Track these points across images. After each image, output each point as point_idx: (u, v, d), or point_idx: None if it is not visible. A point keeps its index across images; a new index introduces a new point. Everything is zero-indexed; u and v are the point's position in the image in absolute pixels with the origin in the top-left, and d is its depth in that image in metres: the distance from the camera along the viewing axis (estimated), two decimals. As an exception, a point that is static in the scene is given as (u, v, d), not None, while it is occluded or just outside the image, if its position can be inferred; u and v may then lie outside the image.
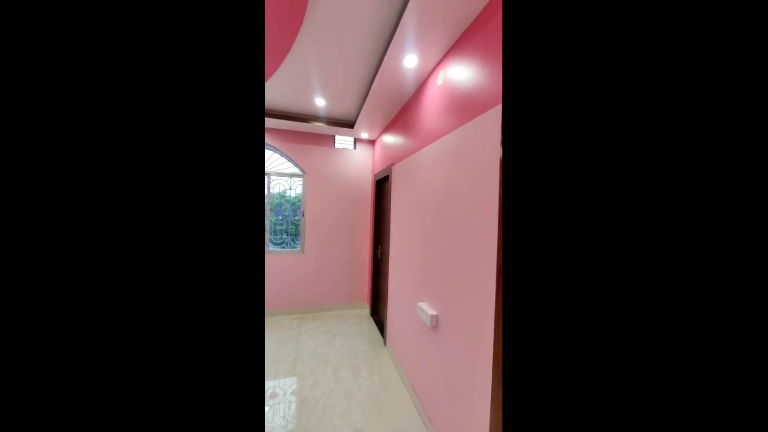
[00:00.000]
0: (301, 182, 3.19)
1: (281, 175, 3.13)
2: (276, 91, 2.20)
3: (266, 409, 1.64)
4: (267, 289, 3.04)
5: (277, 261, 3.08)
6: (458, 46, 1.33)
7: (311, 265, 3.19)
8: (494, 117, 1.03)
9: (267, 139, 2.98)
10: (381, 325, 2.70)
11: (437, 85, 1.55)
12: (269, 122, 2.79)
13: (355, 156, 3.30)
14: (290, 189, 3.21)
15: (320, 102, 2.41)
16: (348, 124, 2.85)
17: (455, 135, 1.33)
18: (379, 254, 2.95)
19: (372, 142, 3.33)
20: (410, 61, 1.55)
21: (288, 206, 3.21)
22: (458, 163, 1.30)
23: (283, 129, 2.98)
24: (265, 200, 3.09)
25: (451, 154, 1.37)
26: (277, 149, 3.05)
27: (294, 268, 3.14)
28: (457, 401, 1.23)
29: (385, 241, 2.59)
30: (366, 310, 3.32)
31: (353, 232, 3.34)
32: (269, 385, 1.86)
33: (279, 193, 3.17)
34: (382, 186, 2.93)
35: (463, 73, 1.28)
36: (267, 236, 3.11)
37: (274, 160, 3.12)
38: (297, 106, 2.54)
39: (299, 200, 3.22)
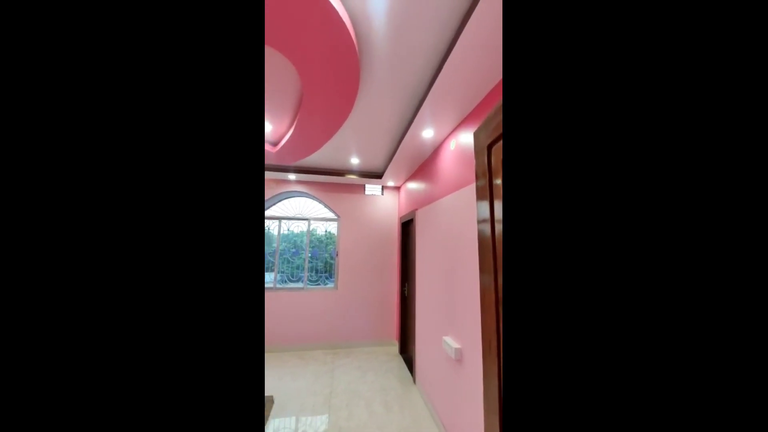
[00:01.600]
0: (336, 225, 3.63)
1: (319, 219, 3.60)
2: (320, 156, 2.74)
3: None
4: (304, 324, 3.31)
5: (313, 297, 3.38)
6: (467, 121, 1.71)
7: (344, 302, 3.44)
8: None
9: (309, 191, 3.53)
10: (410, 363, 2.77)
11: (450, 150, 1.92)
12: (312, 178, 3.35)
13: (383, 201, 3.71)
14: (325, 231, 3.64)
15: (355, 160, 2.91)
16: (377, 175, 3.31)
17: (467, 190, 1.64)
18: (406, 292, 3.13)
19: (397, 188, 3.74)
20: (428, 133, 1.97)
21: (317, 243, 3.61)
22: (470, 213, 1.58)
23: (323, 182, 3.52)
24: (305, 241, 3.53)
25: (464, 205, 1.66)
26: (316, 198, 3.57)
27: (328, 303, 3.40)
28: None
29: (412, 279, 2.80)
30: (395, 347, 3.39)
31: (382, 270, 3.60)
32: (305, 421, 2.00)
33: (310, 231, 3.61)
34: (407, 227, 3.23)
35: (471, 142, 1.63)
36: (306, 274, 3.48)
37: (313, 207, 3.63)
38: (335, 165, 3.07)
39: (327, 237, 3.62)
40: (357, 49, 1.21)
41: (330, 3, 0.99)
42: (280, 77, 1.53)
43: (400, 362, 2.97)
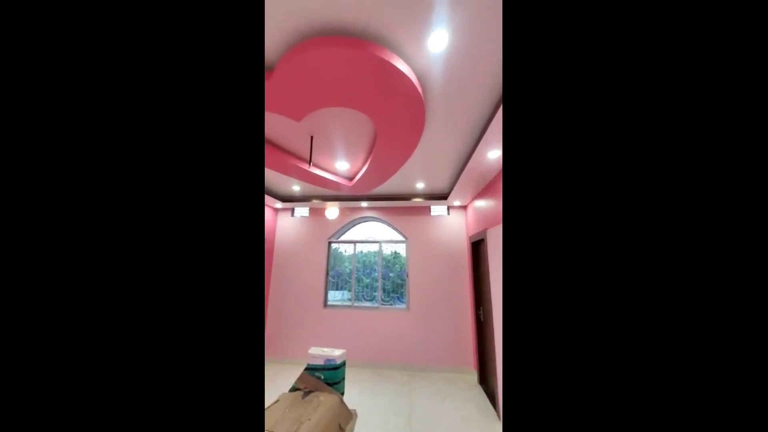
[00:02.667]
0: (404, 246, 3.79)
1: (389, 242, 3.84)
2: (388, 184, 3.00)
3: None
4: (379, 342, 3.47)
5: (386, 316, 3.54)
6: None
7: (416, 323, 3.48)
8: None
9: (379, 215, 3.83)
10: (492, 397, 2.56)
11: (520, 168, 1.87)
12: (381, 204, 3.65)
13: (449, 221, 3.71)
14: (391, 252, 3.82)
15: (420, 185, 3.07)
16: (442, 196, 3.38)
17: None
18: (481, 316, 2.97)
19: (464, 207, 3.70)
20: (494, 153, 1.97)
21: (384, 263, 3.78)
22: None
23: (391, 207, 3.79)
24: (377, 262, 3.79)
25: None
26: (386, 221, 3.83)
27: (401, 324, 3.50)
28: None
29: (487, 302, 2.67)
30: (473, 376, 3.19)
31: (453, 292, 3.52)
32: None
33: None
34: (478, 248, 3.13)
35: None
36: (379, 293, 3.70)
37: (383, 230, 3.90)
38: (402, 190, 3.29)
39: (394, 257, 3.76)
40: (423, 99, 1.39)
41: (405, 75, 1.20)
42: (357, 128, 1.84)
43: (479, 393, 2.78)
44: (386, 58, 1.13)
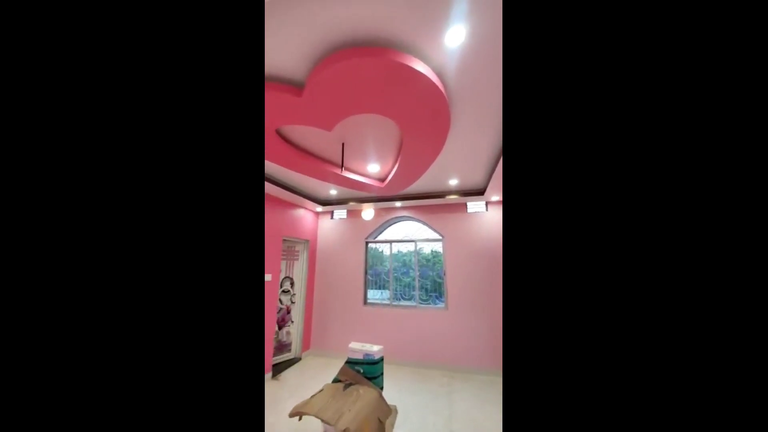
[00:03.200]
0: (441, 245, 3.72)
1: (425, 240, 3.81)
2: (420, 182, 2.99)
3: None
4: (418, 341, 3.47)
5: (425, 315, 3.53)
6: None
7: (455, 322, 3.40)
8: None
9: (413, 214, 3.83)
10: (541, 404, 2.38)
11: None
12: (415, 203, 3.64)
13: (488, 217, 3.53)
14: (431, 251, 3.77)
15: (453, 181, 2.99)
16: (478, 192, 3.23)
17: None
18: (526, 317, 2.78)
19: (504, 203, 3.49)
20: (530, 145, 1.84)
21: (424, 262, 3.74)
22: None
23: (424, 205, 3.76)
24: (413, 261, 3.79)
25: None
26: (420, 220, 3.82)
27: (439, 323, 3.45)
28: None
29: (532, 303, 2.48)
30: (520, 382, 3.00)
31: (493, 290, 3.35)
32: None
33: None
34: (520, 245, 2.93)
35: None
36: (417, 292, 3.71)
37: (419, 229, 3.88)
38: (435, 188, 3.25)
39: (434, 256, 3.70)
40: (446, 95, 1.37)
41: (424, 75, 1.21)
42: (384, 130, 1.88)
43: (527, 400, 2.60)
44: (404, 62, 1.15)
